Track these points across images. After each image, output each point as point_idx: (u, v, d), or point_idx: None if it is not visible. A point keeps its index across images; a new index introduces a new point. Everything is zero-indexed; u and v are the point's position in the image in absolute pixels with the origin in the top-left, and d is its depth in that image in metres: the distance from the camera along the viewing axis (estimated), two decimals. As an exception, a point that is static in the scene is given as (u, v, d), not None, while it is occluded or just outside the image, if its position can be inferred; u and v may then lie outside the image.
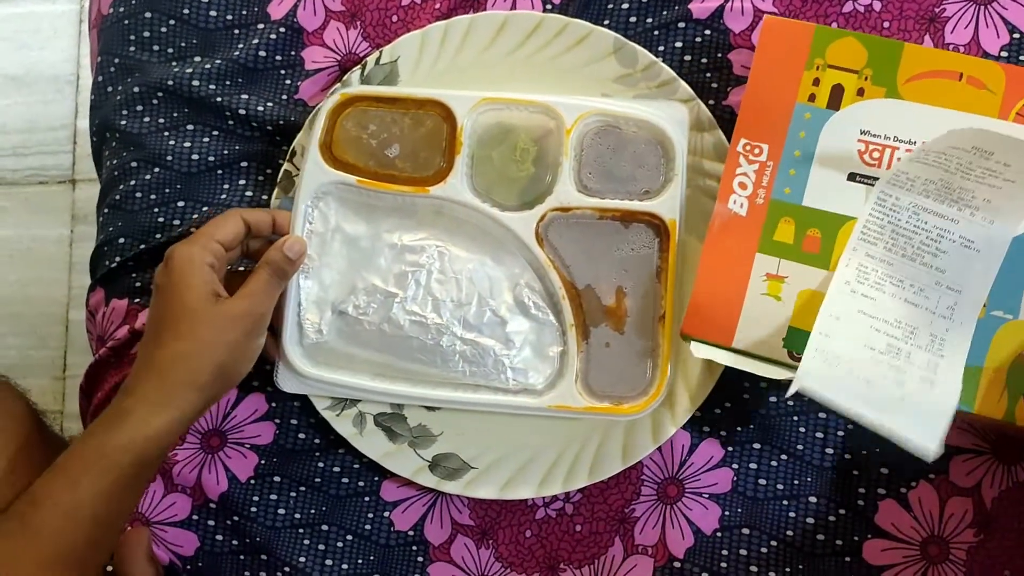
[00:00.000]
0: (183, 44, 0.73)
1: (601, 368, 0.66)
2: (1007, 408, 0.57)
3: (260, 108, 0.71)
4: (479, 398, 0.67)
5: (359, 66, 0.69)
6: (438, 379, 0.67)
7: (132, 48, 0.73)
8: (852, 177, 0.60)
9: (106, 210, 0.74)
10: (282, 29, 0.72)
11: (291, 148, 0.69)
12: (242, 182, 0.72)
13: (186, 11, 0.73)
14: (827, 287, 0.59)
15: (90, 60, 0.78)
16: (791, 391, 0.56)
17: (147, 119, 0.73)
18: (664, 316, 0.64)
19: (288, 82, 0.72)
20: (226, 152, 0.72)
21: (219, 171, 0.72)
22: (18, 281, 1.41)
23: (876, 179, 0.59)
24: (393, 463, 0.68)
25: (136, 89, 0.72)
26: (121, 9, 0.74)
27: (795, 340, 0.59)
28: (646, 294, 0.65)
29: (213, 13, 0.73)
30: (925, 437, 0.55)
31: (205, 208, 0.72)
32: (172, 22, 0.73)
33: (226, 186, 0.72)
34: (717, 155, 0.66)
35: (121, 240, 0.73)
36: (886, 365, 0.57)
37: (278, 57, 0.72)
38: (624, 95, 0.67)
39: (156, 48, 0.73)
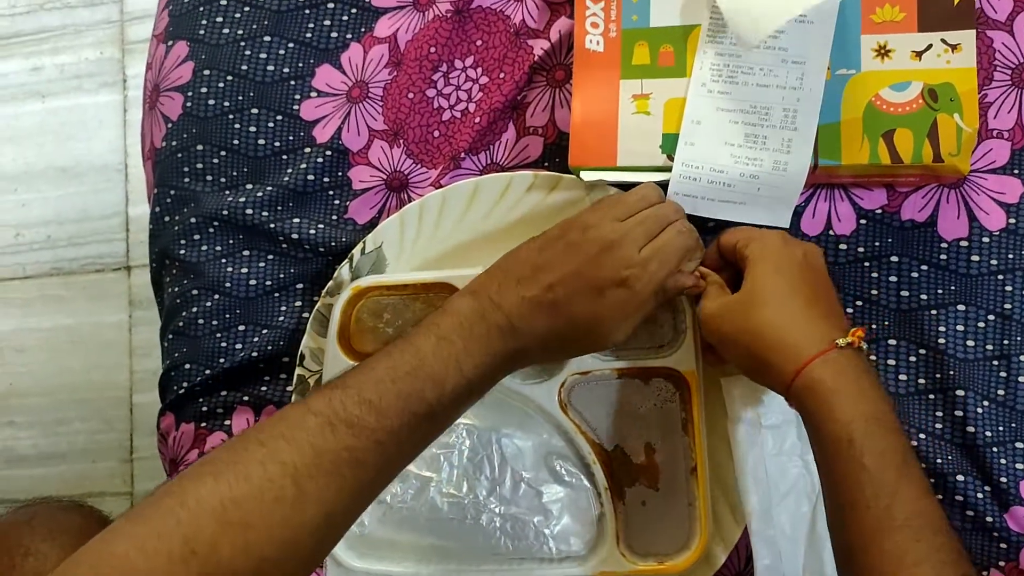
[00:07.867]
0: (235, 173, 0.75)
1: (641, 527, 0.66)
2: (870, 151, 0.62)
3: (311, 231, 0.73)
4: (525, 571, 0.67)
5: (347, 260, 0.70)
6: (483, 555, 0.67)
7: (187, 179, 0.76)
8: None
9: (170, 336, 0.77)
10: (328, 152, 0.74)
11: (299, 352, 0.70)
12: (298, 303, 0.74)
13: (236, 141, 0.75)
14: (688, 91, 0.65)
15: (146, 191, 0.81)
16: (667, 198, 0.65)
17: (204, 247, 0.75)
18: (696, 468, 0.64)
19: (337, 202, 0.74)
20: (281, 275, 0.74)
21: (276, 294, 0.74)
22: (82, 368, 1.45)
23: None
24: None
25: (193, 220, 0.75)
26: (174, 143, 0.76)
27: (669, 144, 0.65)
28: (675, 447, 0.66)
29: (261, 141, 0.75)
30: (778, 215, 0.64)
31: (264, 331, 0.74)
32: (223, 153, 0.75)
33: (283, 307, 0.74)
34: None
35: (187, 366, 0.75)
36: (744, 162, 0.63)
37: (326, 179, 0.74)
38: None
39: (209, 179, 0.76)
